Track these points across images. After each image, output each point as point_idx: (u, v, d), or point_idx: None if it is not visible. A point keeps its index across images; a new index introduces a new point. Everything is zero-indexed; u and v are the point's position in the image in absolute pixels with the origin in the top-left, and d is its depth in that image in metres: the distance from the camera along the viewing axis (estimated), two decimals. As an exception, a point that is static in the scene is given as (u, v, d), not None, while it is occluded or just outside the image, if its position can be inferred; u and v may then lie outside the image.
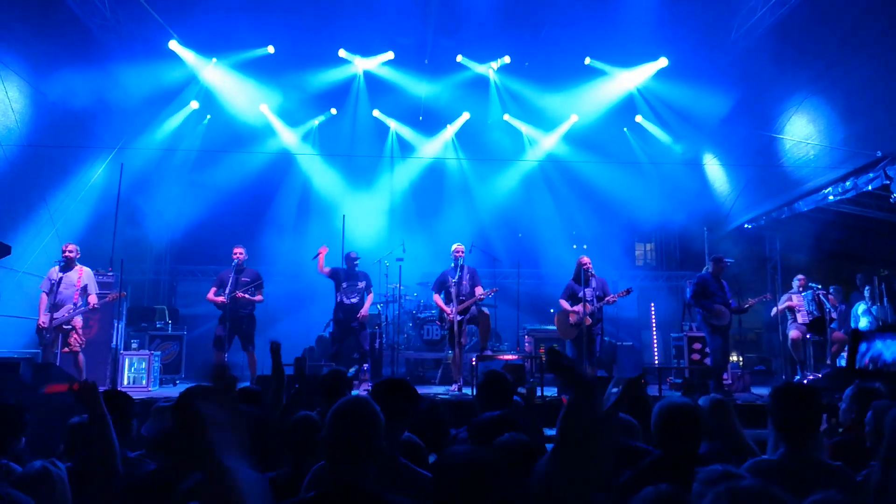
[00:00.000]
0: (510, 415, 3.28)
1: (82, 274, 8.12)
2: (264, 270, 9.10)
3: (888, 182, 8.07)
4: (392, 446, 2.76)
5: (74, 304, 7.99)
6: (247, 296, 8.46)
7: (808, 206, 10.02)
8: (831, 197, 9.41)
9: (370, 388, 6.51)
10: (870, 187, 8.54)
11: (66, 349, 7.89)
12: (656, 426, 2.90)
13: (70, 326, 7.93)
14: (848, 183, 8.97)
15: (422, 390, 8.17)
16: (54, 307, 7.84)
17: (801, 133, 10.07)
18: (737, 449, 3.28)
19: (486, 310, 8.98)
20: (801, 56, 10.09)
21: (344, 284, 8.96)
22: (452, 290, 8.61)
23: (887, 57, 8.04)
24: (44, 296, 7.93)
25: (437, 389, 8.93)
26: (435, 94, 12.83)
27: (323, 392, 3.95)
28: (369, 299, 9.09)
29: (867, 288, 10.02)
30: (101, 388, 2.99)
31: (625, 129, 13.57)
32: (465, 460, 2.09)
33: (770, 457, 2.91)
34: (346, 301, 8.92)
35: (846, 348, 7.69)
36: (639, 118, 13.38)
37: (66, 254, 8.07)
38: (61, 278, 7.94)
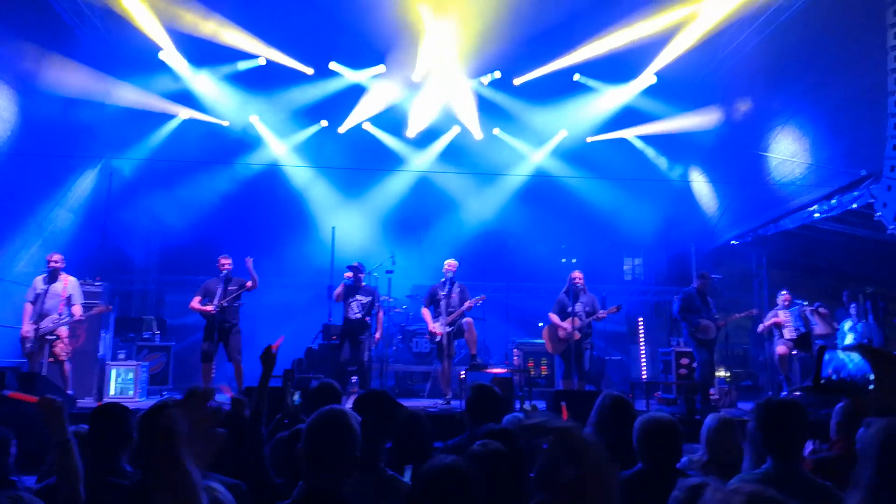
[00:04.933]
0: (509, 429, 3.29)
1: (67, 284, 8.04)
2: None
3: (872, 200, 8.17)
4: (375, 456, 2.79)
5: (59, 315, 7.92)
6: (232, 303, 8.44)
7: (795, 224, 10.16)
8: (817, 214, 9.53)
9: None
10: (854, 205, 8.66)
11: (52, 359, 7.82)
12: (638, 440, 3.02)
13: (55, 336, 7.85)
14: (833, 201, 9.09)
15: (410, 403, 8.20)
16: (40, 317, 7.76)
17: (787, 151, 10.21)
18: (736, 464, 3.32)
19: (469, 318, 8.91)
20: (786, 75, 10.25)
21: (350, 300, 8.78)
22: (442, 302, 8.63)
23: (871, 77, 8.17)
24: (28, 305, 7.86)
25: (426, 402, 8.91)
26: (425, 107, 12.87)
27: (312, 404, 3.93)
28: (380, 319, 8.97)
29: (853, 305, 10.12)
30: (92, 402, 2.91)
31: (613, 144, 13.68)
32: (445, 470, 2.11)
33: (755, 471, 2.94)
34: (349, 316, 8.79)
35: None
36: (627, 134, 13.50)
37: (52, 263, 8.00)
38: (47, 289, 7.88)
